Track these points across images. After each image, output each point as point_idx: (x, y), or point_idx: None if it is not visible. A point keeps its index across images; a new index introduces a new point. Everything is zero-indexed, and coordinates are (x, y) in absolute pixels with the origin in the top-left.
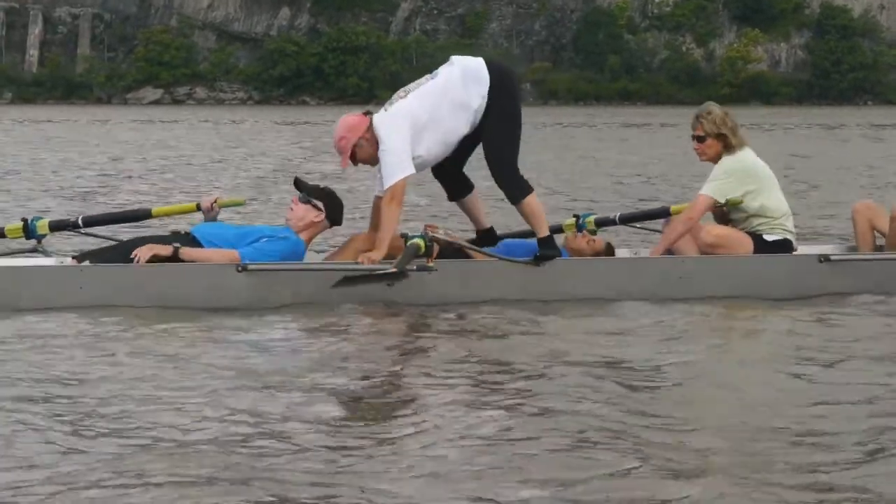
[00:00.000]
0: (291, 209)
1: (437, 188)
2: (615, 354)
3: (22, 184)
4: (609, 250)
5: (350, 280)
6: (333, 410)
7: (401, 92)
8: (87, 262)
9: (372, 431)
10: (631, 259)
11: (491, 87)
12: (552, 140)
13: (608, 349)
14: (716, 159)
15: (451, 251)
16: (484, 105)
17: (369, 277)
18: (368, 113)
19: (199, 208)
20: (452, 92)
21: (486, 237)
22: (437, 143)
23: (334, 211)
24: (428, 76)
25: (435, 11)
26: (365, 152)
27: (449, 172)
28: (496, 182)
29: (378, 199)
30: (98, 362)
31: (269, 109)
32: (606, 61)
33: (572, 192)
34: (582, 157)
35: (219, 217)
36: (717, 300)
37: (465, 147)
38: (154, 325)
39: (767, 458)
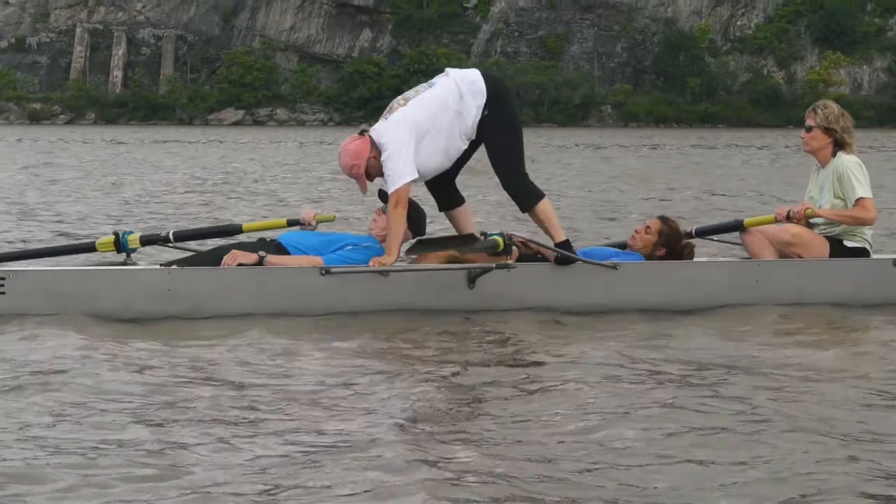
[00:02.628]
0: (375, 220)
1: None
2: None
3: (111, 199)
4: (675, 239)
5: (433, 249)
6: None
7: (400, 99)
8: (174, 267)
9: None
10: (706, 262)
11: (488, 99)
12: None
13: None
14: (818, 153)
15: (530, 254)
16: (479, 117)
17: (449, 246)
18: (364, 132)
19: (289, 224)
20: (452, 104)
21: None
22: (437, 153)
23: (417, 221)
24: (425, 85)
25: (516, 34)
26: (375, 169)
27: (441, 184)
28: (507, 192)
29: (380, 208)
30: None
31: (350, 131)
32: (687, 84)
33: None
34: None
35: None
36: (796, 304)
37: (459, 159)
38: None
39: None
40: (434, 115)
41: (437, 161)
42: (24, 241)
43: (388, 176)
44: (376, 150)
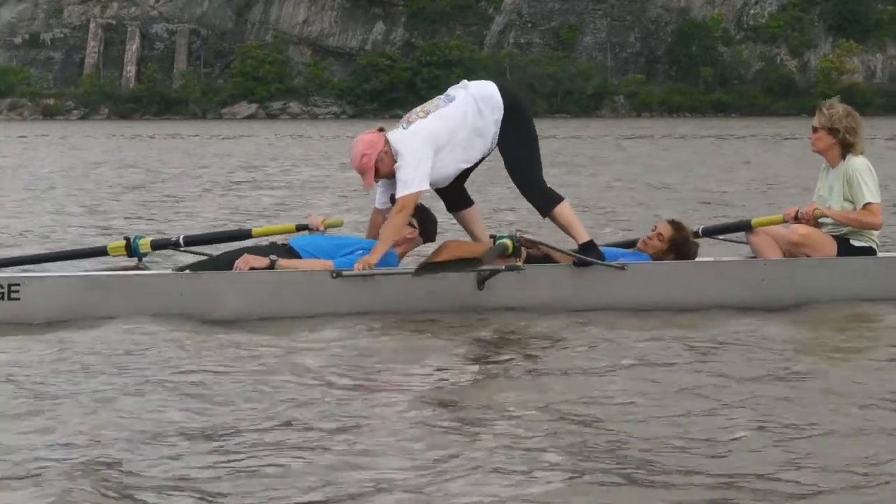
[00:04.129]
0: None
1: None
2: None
3: (127, 201)
4: (683, 244)
5: (438, 271)
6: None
7: (419, 111)
8: (187, 271)
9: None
10: (713, 262)
11: (505, 113)
12: (643, 150)
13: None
14: (826, 153)
15: (540, 255)
16: (498, 131)
17: (457, 269)
18: (382, 129)
19: (298, 229)
20: (471, 119)
21: None
22: (450, 166)
23: (428, 227)
24: (443, 97)
25: (529, 24)
26: (386, 167)
27: (450, 186)
28: (527, 199)
29: (377, 211)
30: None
31: (363, 124)
32: (700, 73)
33: (659, 204)
34: (670, 168)
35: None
36: (799, 303)
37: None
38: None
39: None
40: (452, 131)
41: (451, 171)
42: (44, 238)
43: (400, 181)
44: (389, 148)
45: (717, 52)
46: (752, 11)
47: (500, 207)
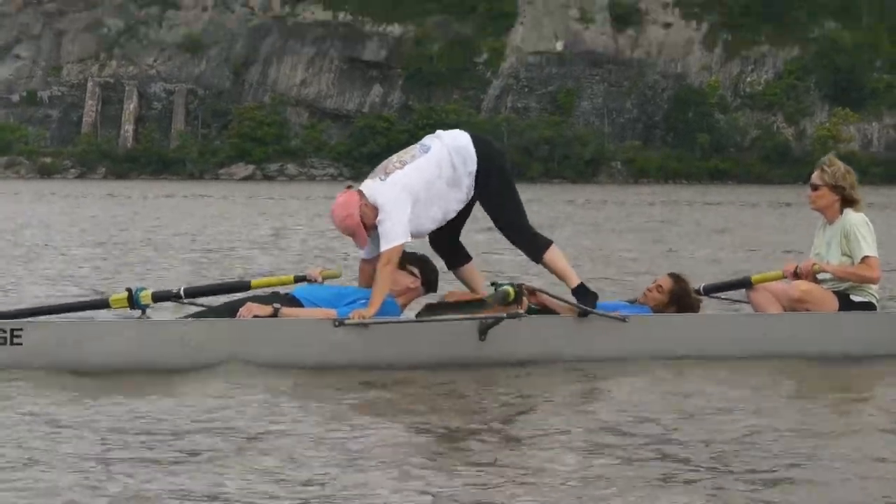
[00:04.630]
0: None
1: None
2: (695, 413)
3: (129, 256)
4: (685, 297)
5: (442, 313)
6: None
7: (395, 162)
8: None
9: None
10: (715, 315)
11: (478, 163)
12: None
13: (690, 408)
14: (826, 210)
15: (540, 306)
16: (473, 182)
17: (459, 315)
18: (350, 186)
19: (296, 280)
20: (445, 171)
21: None
22: (429, 218)
23: (430, 277)
24: (418, 147)
25: (526, 89)
26: (370, 219)
27: (445, 242)
28: (516, 247)
29: (365, 262)
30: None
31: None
32: (697, 140)
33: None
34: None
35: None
36: (803, 358)
37: (458, 218)
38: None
39: None
40: (428, 182)
41: (430, 225)
42: (39, 295)
43: (382, 235)
44: (366, 201)
45: (714, 118)
46: (748, 79)
47: (492, 251)
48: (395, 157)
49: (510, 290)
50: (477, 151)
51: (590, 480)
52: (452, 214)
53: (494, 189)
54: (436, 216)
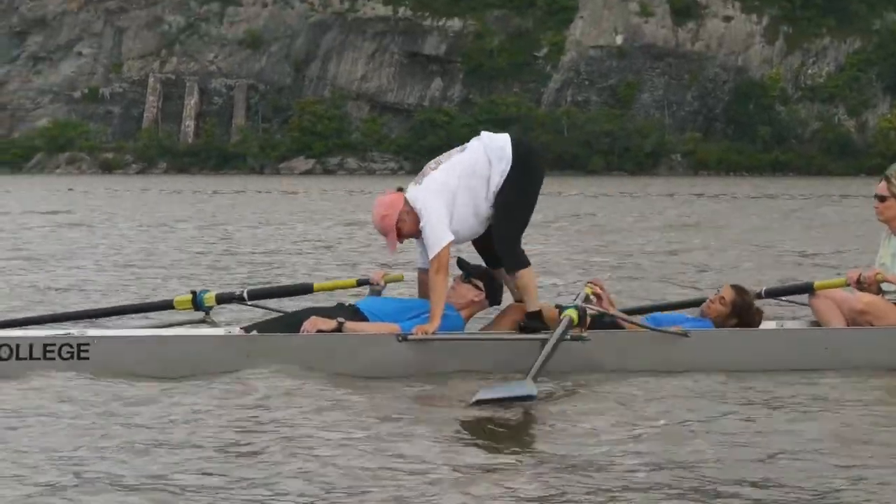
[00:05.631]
0: (454, 288)
1: None
2: (754, 426)
3: (187, 255)
4: (746, 309)
5: (492, 403)
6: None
7: (432, 164)
8: (254, 332)
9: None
10: (777, 330)
11: (512, 165)
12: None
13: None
14: (892, 222)
15: (604, 321)
16: (501, 182)
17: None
18: (400, 189)
19: (359, 284)
20: (480, 169)
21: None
22: (469, 216)
23: (493, 291)
24: (458, 149)
25: (587, 82)
26: (408, 227)
27: (488, 246)
28: (498, 251)
29: (422, 271)
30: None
31: None
32: (757, 132)
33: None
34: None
35: (384, 293)
36: (866, 372)
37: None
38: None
39: None
40: (461, 178)
41: (471, 224)
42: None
43: (427, 244)
44: (409, 207)
45: (775, 111)
46: (809, 71)
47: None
48: (433, 161)
49: (574, 314)
50: (514, 154)
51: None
52: (487, 213)
53: (514, 190)
54: (474, 215)
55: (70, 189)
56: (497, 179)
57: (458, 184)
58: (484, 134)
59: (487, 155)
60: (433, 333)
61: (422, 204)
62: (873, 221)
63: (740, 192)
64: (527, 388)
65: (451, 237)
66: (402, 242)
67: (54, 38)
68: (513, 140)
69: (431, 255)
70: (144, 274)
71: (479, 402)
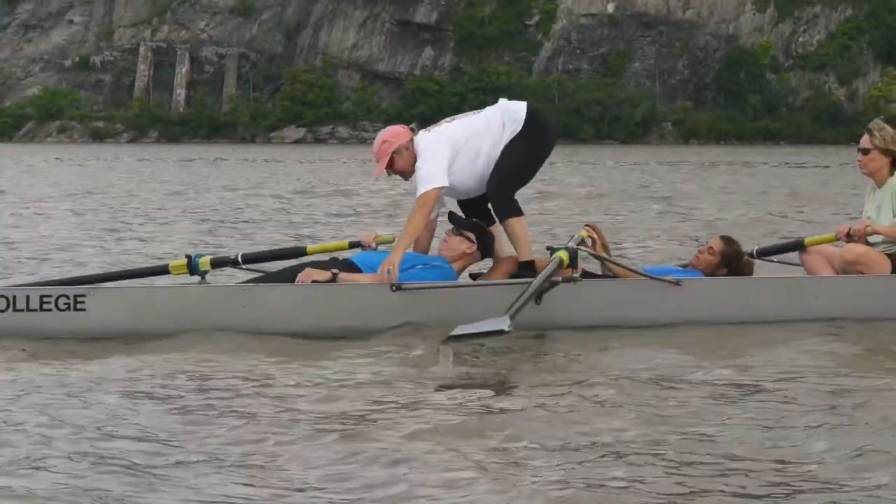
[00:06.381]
0: (445, 240)
1: None
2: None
3: (183, 222)
4: (736, 259)
5: (466, 340)
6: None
7: (447, 119)
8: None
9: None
10: (767, 279)
11: (522, 128)
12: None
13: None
14: (876, 174)
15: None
16: (510, 140)
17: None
18: (413, 129)
19: (351, 246)
20: (493, 130)
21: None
22: (470, 174)
23: (485, 243)
24: (475, 111)
25: (577, 51)
26: (403, 161)
27: (475, 207)
28: (489, 197)
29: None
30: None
31: None
32: (748, 101)
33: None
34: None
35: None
36: (853, 320)
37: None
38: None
39: None
40: (471, 136)
41: (472, 183)
42: (106, 260)
43: (417, 179)
44: (412, 147)
45: (766, 79)
46: (800, 39)
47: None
48: (448, 118)
49: (564, 255)
50: (527, 115)
51: (644, 449)
52: (486, 175)
53: (518, 146)
54: (478, 175)
55: (57, 158)
56: (506, 140)
57: (466, 142)
58: (502, 101)
59: (501, 117)
60: (395, 268)
61: (423, 146)
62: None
63: (735, 159)
64: (500, 322)
65: (445, 182)
66: (389, 175)
67: (45, 6)
68: (529, 107)
69: (419, 191)
70: (136, 241)
71: (453, 338)
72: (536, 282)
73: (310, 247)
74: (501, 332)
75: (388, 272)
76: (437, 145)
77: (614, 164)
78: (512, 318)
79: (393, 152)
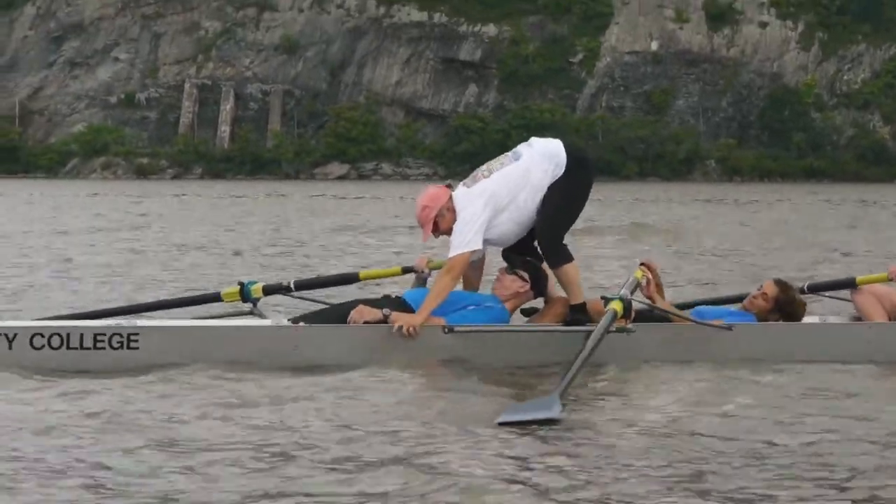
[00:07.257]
0: (499, 279)
1: None
2: (803, 418)
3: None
4: (788, 304)
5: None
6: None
7: (484, 170)
8: (301, 324)
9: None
10: (819, 325)
11: (565, 171)
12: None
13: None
14: None
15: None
16: (553, 184)
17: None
18: (450, 186)
19: (404, 271)
20: (534, 176)
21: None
22: (514, 226)
23: (538, 282)
24: (510, 155)
25: (621, 88)
26: (447, 223)
27: (518, 250)
28: (539, 246)
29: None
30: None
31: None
32: (792, 139)
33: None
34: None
35: (429, 280)
36: None
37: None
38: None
39: None
40: (514, 189)
41: (514, 232)
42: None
43: (452, 241)
44: (452, 205)
45: (810, 117)
46: (845, 78)
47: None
48: (485, 166)
49: (618, 307)
50: (568, 157)
51: (687, 481)
52: (531, 221)
53: (561, 190)
54: (520, 223)
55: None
56: (548, 182)
57: (508, 195)
58: (535, 141)
59: (542, 163)
60: (418, 327)
61: (463, 204)
62: None
63: (783, 196)
64: (551, 409)
65: (479, 246)
66: (436, 237)
67: (91, 43)
68: (566, 145)
69: (451, 254)
70: (188, 269)
71: (502, 425)
72: (594, 337)
73: (362, 272)
74: (553, 420)
75: (408, 330)
76: (476, 206)
77: (667, 198)
78: (562, 395)
79: (435, 217)
